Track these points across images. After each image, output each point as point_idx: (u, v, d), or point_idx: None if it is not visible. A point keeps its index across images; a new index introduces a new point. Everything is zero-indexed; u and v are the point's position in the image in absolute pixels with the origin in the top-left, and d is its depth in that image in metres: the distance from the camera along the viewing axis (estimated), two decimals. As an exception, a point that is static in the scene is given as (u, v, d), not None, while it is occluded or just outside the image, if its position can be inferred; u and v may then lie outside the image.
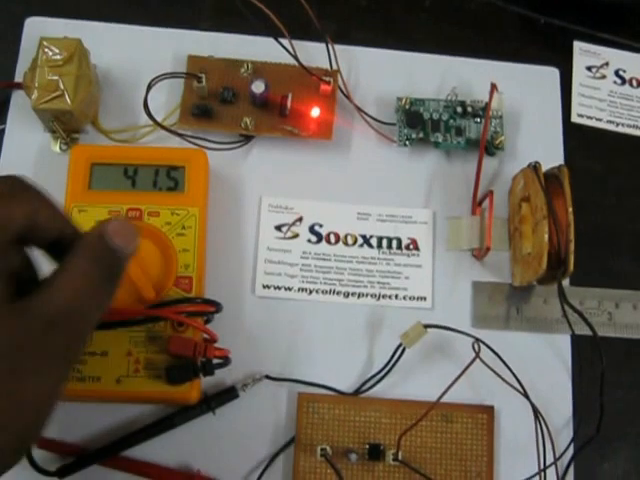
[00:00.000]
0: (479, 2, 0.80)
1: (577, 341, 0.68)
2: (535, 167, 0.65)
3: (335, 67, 0.73)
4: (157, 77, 0.69)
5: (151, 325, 0.61)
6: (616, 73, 0.78)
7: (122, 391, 0.61)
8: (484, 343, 0.63)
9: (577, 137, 0.75)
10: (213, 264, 0.67)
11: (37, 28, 0.72)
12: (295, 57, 0.70)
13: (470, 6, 0.80)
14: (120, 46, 0.74)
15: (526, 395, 0.64)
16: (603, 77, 0.78)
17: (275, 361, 0.66)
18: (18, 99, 0.71)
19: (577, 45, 0.79)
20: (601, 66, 0.78)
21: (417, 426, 0.62)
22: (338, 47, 0.73)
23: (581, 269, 0.64)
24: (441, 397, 0.60)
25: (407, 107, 0.72)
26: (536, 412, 0.64)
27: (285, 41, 0.70)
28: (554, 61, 0.77)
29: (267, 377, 0.65)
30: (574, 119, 0.76)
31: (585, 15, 0.79)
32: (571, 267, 0.62)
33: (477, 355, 0.61)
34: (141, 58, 0.73)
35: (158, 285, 0.63)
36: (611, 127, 0.76)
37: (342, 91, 0.73)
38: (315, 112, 0.70)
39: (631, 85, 0.78)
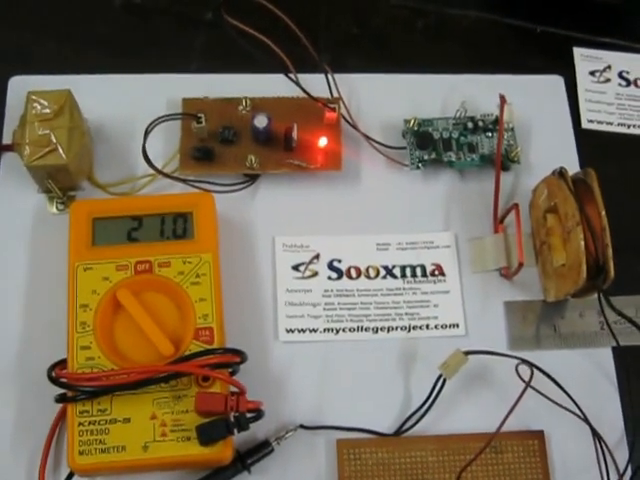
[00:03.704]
0: (472, 18, 0.78)
1: (620, 352, 0.65)
2: (561, 173, 0.62)
3: (336, 95, 0.70)
4: (154, 121, 0.66)
5: (174, 383, 0.58)
6: (620, 75, 0.77)
7: (150, 458, 0.56)
8: (534, 365, 0.59)
9: (590, 143, 0.73)
10: (231, 312, 0.62)
11: (22, 87, 0.67)
12: (300, 86, 0.68)
13: (463, 23, 0.78)
14: (109, 97, 0.71)
15: (584, 416, 0.61)
16: (607, 80, 0.76)
17: (308, 408, 0.62)
18: (8, 162, 0.68)
19: (577, 51, 0.77)
20: (604, 70, 0.77)
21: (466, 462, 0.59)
22: (336, 76, 0.71)
23: (612, 278, 0.61)
24: (500, 427, 0.57)
25: (416, 129, 0.70)
26: (594, 432, 0.61)
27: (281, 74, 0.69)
28: (556, 69, 0.76)
29: (302, 427, 0.61)
30: (585, 125, 0.74)
31: (580, 20, 0.78)
32: (611, 273, 0.59)
33: (529, 382, 0.58)
34: (133, 107, 0.71)
35: (176, 339, 0.59)
36: (622, 130, 0.75)
37: (346, 119, 0.70)
38: (323, 141, 0.67)
39: (636, 86, 0.77)
